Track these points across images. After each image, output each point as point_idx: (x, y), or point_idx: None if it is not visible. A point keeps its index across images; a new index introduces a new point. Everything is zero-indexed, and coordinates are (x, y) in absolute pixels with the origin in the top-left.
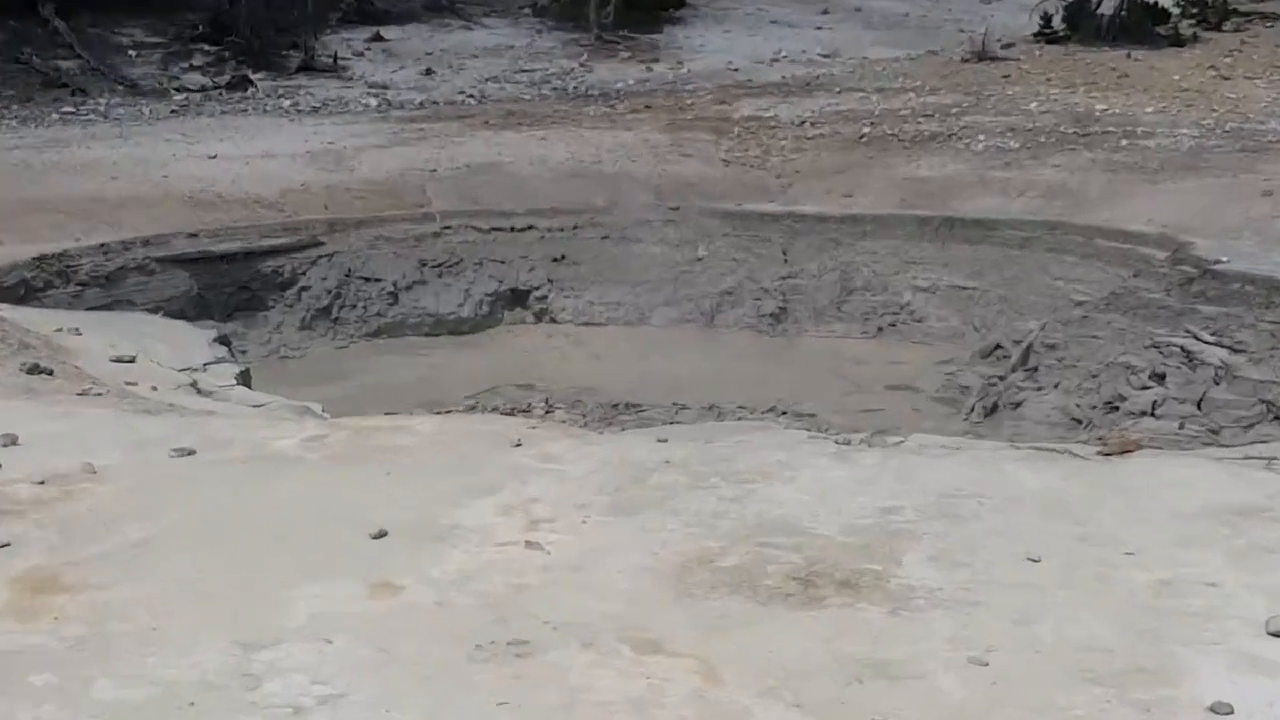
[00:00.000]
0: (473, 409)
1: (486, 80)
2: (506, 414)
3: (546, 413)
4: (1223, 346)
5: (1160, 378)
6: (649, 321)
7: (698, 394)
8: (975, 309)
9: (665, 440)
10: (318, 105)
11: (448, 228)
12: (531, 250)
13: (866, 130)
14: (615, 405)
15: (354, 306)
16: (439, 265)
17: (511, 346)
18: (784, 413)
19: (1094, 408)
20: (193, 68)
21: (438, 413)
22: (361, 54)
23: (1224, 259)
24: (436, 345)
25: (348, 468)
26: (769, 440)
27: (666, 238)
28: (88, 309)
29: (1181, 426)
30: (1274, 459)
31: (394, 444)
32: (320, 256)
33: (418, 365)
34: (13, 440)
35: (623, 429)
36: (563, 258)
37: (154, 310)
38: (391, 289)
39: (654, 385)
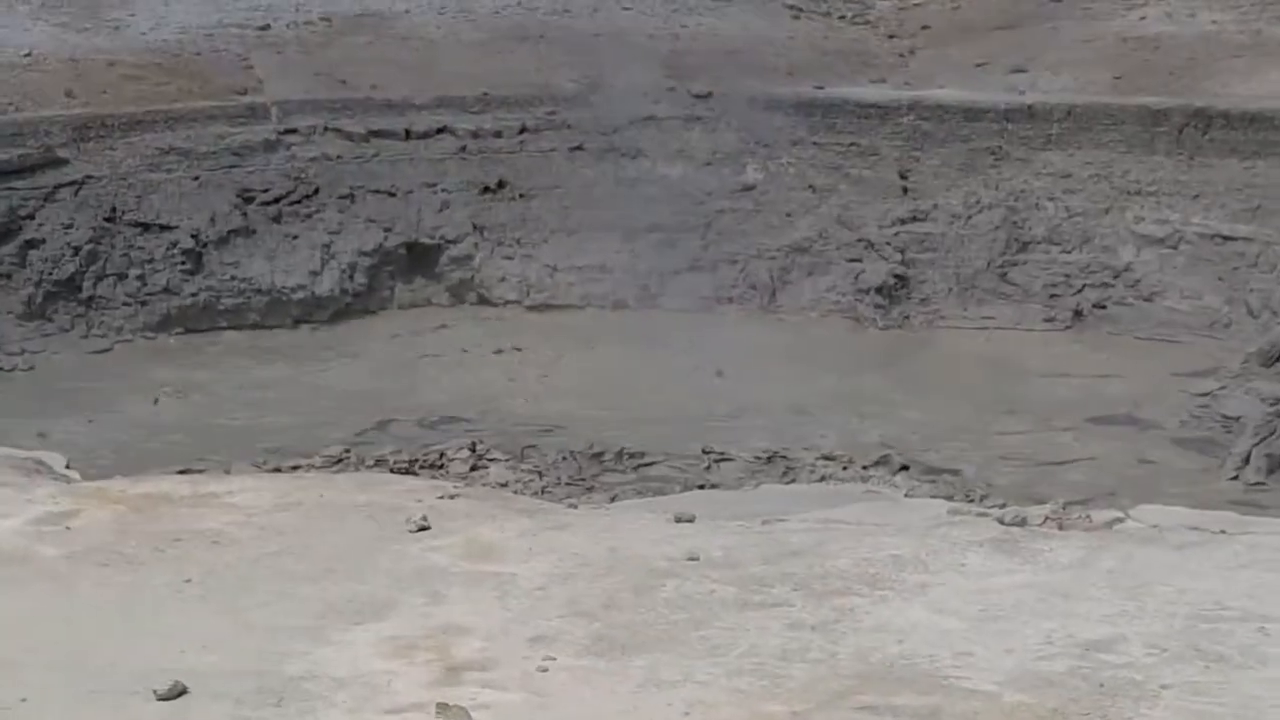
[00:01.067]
0: (340, 462)
1: None
2: (403, 471)
3: (474, 468)
4: None
5: None
6: (658, 301)
7: (749, 433)
8: (1249, 276)
9: (690, 519)
10: None
11: (291, 132)
12: (444, 173)
13: None
14: (599, 455)
15: (123, 277)
16: (276, 201)
17: (410, 348)
18: (903, 466)
19: None
20: None
21: (278, 470)
22: None
23: None
24: (276, 345)
25: (117, 572)
26: (878, 517)
27: (689, 149)
28: None
29: None
30: None
31: (199, 528)
32: (60, 186)
33: (241, 382)
34: None
35: (613, 497)
36: (500, 186)
37: None
38: (191, 245)
39: (668, 418)
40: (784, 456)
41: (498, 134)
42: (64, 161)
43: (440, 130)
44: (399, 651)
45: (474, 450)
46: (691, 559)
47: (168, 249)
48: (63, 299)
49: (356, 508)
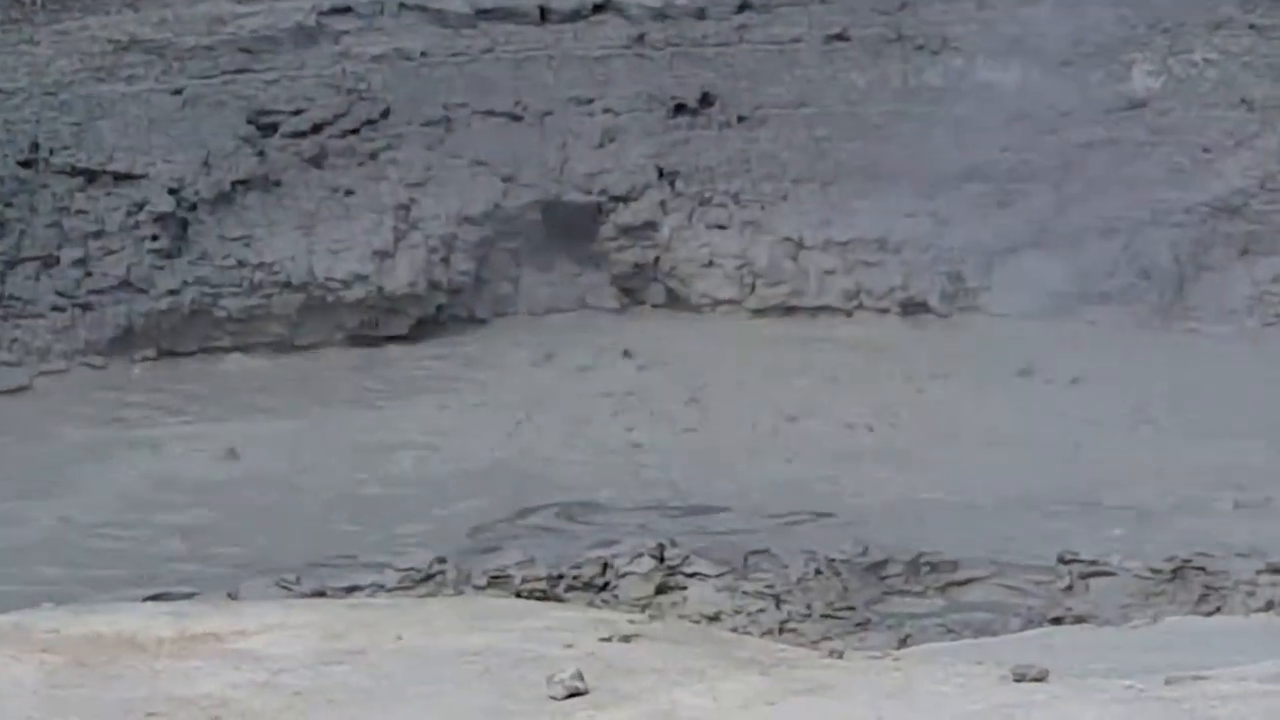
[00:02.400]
0: (430, 580)
1: None
2: (539, 595)
3: (662, 589)
4: None
5: None
6: (979, 300)
7: (1137, 529)
8: None
9: (1040, 676)
10: None
11: (342, 12)
12: (608, 81)
13: None
14: (879, 565)
15: (51, 262)
16: (315, 131)
17: (547, 381)
18: None
19: None
20: None
21: (322, 595)
22: None
23: None
24: (315, 377)
25: None
26: None
27: (1031, 39)
28: None
29: None
30: None
31: (189, 694)
32: None
33: (255, 440)
34: None
35: (904, 638)
36: (705, 105)
37: None
38: (170, 206)
39: (998, 503)
40: (1200, 568)
41: (700, 13)
42: None
43: (600, 7)
44: None
45: (662, 558)
46: None
47: (128, 214)
48: None
49: (461, 658)
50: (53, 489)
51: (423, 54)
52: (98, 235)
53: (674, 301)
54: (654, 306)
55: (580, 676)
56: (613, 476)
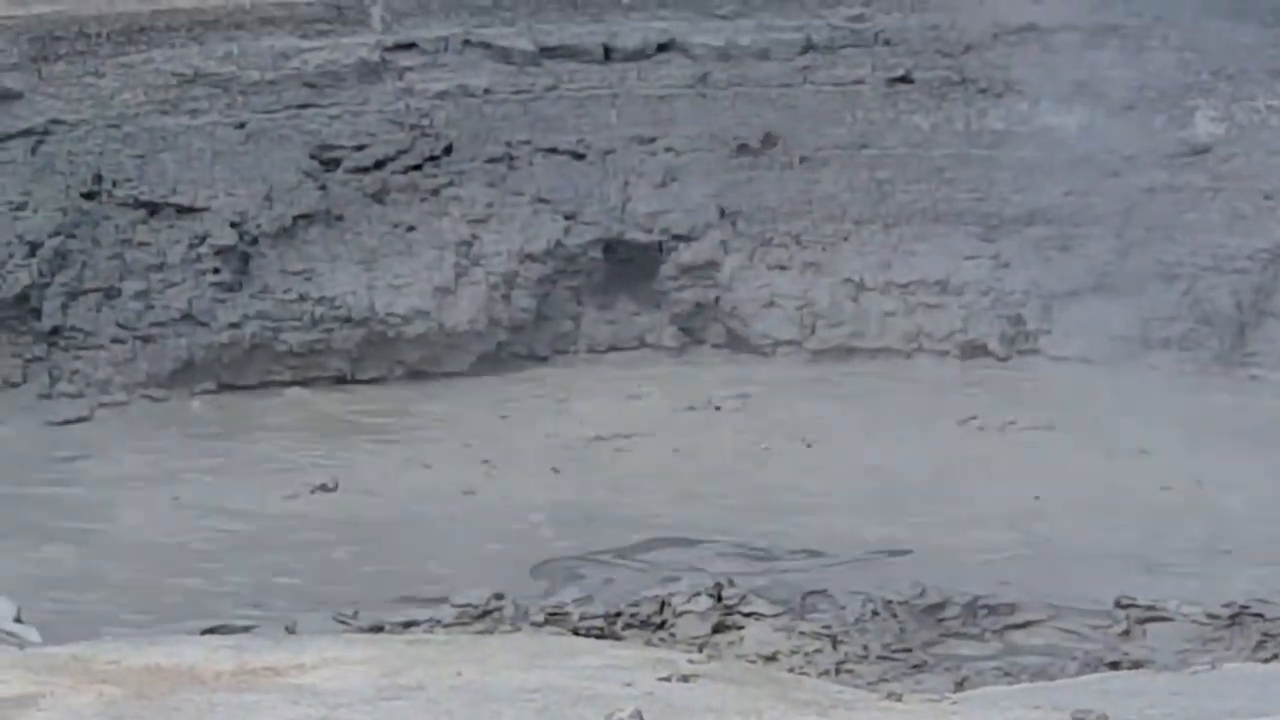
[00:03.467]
0: (487, 616)
1: None
2: (596, 633)
3: (719, 628)
4: None
5: None
6: (1039, 344)
7: (1198, 573)
8: None
9: None
10: None
11: (407, 49)
12: (671, 120)
13: None
14: (937, 607)
15: (112, 294)
16: (379, 167)
17: (606, 420)
18: None
19: None
20: None
21: (380, 630)
22: None
23: None
24: (376, 412)
25: None
26: None
27: (1096, 83)
28: None
29: None
30: None
31: None
32: (8, 138)
33: (314, 475)
34: None
35: (961, 681)
36: (768, 145)
37: None
38: (232, 240)
39: (1058, 549)
40: (1259, 615)
41: (763, 54)
42: (15, 96)
43: (664, 46)
44: None
45: (719, 597)
46: None
47: (190, 247)
48: (9, 331)
49: (520, 695)
50: (113, 515)
51: (486, 91)
52: (159, 268)
53: (734, 341)
54: (714, 346)
55: (639, 715)
56: (670, 515)
